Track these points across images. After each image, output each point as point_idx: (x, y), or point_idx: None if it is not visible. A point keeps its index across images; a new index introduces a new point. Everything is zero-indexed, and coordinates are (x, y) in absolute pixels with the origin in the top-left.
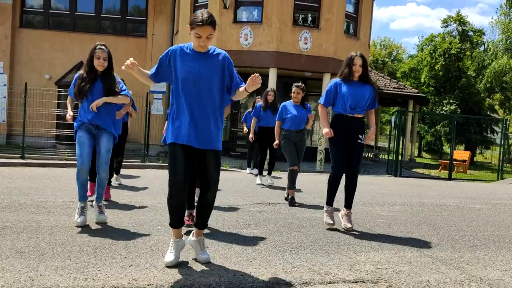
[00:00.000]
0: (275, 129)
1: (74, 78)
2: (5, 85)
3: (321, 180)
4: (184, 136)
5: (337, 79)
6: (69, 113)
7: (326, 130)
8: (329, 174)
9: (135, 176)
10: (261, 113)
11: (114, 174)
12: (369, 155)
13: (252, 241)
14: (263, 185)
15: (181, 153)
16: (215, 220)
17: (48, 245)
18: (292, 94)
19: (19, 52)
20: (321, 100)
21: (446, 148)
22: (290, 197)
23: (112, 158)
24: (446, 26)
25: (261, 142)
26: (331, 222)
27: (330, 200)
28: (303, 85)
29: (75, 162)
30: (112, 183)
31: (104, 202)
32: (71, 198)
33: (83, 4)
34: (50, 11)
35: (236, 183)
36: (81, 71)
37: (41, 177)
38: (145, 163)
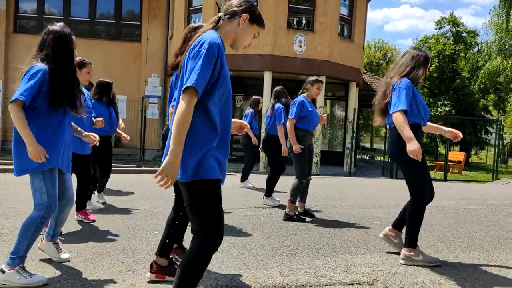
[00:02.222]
0: (289, 129)
1: (40, 73)
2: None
3: (316, 184)
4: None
5: (408, 80)
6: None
7: (414, 147)
8: (411, 207)
9: (130, 180)
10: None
11: (96, 192)
12: (365, 157)
13: (249, 244)
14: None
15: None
16: None
17: None
18: (316, 89)
19: (13, 58)
20: (402, 105)
21: (441, 149)
22: (303, 210)
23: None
24: (440, 28)
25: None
26: (435, 257)
27: (416, 240)
28: None
29: None
30: (91, 205)
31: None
32: None
33: (77, 9)
34: (44, 16)
35: (232, 187)
36: (43, 66)
37: None
38: (141, 168)
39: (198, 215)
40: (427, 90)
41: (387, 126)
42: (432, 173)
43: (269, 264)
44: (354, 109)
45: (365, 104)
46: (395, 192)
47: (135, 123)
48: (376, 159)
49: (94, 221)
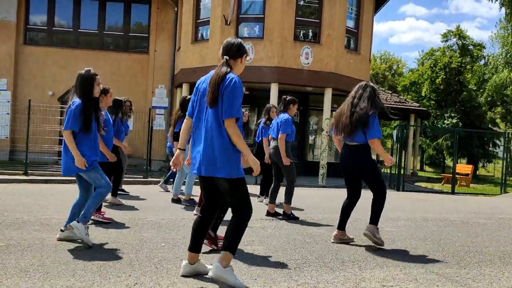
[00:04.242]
0: (282, 142)
1: (75, 109)
2: (8, 101)
3: (323, 196)
4: None
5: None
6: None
7: (390, 158)
8: (378, 200)
9: (136, 191)
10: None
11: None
12: None
13: (256, 258)
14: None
15: None
16: None
17: (53, 263)
18: (295, 108)
19: (22, 69)
20: (379, 135)
21: (449, 162)
22: (274, 211)
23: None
24: (446, 41)
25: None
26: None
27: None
28: None
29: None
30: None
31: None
32: None
33: (86, 22)
34: (53, 28)
35: None
36: (78, 100)
37: (44, 194)
38: (148, 179)
39: (241, 196)
40: (433, 102)
41: (393, 138)
42: (439, 186)
43: (277, 278)
44: None
45: None
46: (403, 205)
47: (142, 134)
48: (382, 171)
49: (111, 220)
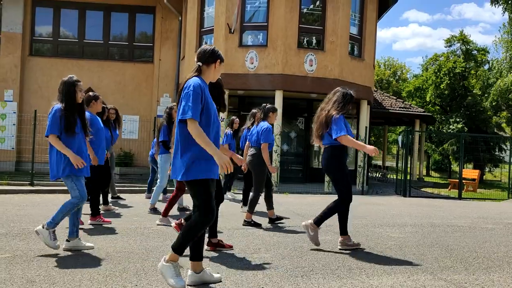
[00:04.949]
0: (265, 151)
1: (53, 113)
2: (14, 112)
3: (329, 202)
4: (216, 172)
5: (341, 115)
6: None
7: (371, 147)
8: (338, 204)
9: (143, 200)
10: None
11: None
12: (377, 175)
13: (263, 266)
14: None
15: (213, 187)
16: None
17: (59, 273)
18: (275, 117)
19: (28, 80)
20: (343, 131)
21: (455, 167)
22: (275, 216)
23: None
24: (450, 46)
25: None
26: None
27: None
28: None
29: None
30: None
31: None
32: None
33: (91, 32)
34: (59, 39)
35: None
36: (58, 105)
37: (50, 204)
38: (153, 188)
39: (198, 199)
40: (438, 107)
41: (399, 144)
42: (446, 191)
43: (284, 286)
44: (366, 127)
45: (376, 122)
46: (410, 211)
47: (147, 143)
48: (388, 176)
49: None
